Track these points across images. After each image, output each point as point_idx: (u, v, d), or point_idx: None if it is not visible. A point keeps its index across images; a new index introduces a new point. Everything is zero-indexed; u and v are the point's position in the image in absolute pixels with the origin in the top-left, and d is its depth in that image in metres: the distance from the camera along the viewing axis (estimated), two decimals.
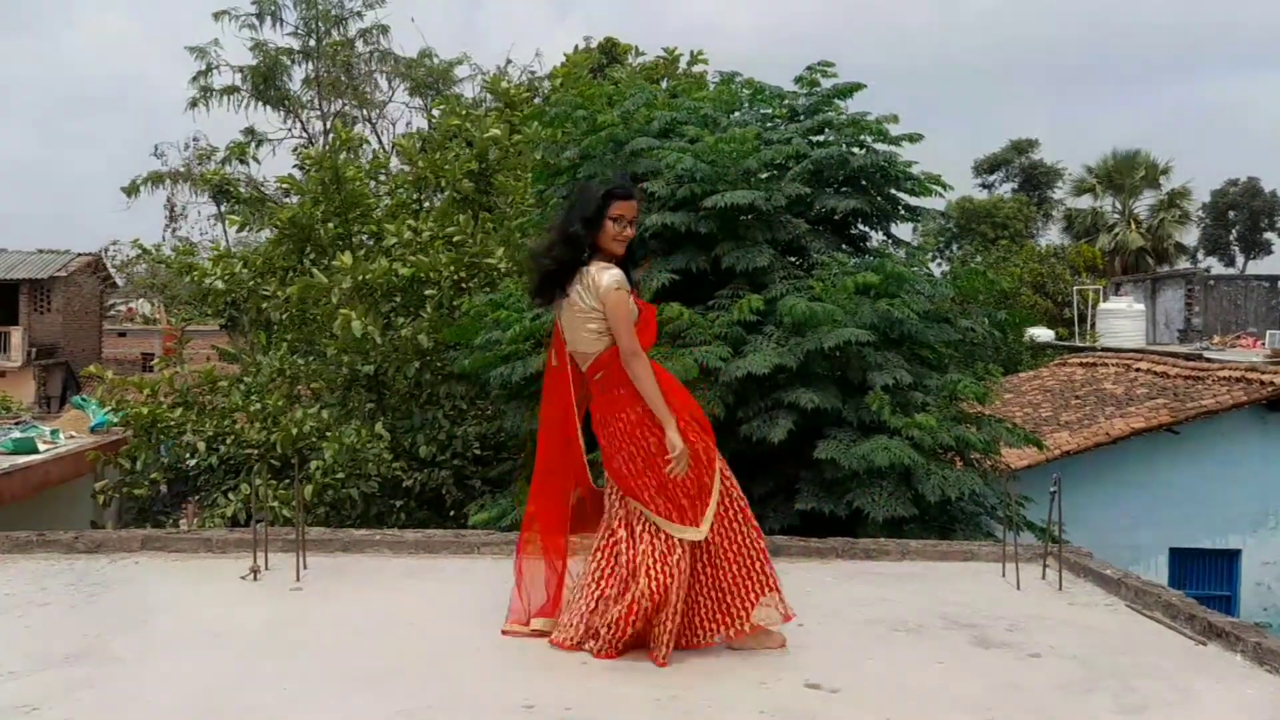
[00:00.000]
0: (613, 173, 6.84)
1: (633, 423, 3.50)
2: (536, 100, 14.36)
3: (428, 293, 9.02)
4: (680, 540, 3.44)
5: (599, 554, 3.57)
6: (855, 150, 7.15)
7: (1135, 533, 11.46)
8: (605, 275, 3.49)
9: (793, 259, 7.10)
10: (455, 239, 9.43)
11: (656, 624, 3.42)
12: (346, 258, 9.04)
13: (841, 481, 5.89)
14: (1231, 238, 46.51)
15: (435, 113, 14.79)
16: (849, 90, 7.47)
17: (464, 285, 9.20)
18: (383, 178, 11.53)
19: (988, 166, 44.12)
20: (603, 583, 3.50)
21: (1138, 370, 14.78)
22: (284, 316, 9.91)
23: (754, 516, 3.64)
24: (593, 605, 3.49)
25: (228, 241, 22.62)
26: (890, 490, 5.81)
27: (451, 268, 9.00)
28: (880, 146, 7.18)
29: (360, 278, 8.83)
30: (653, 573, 3.40)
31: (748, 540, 3.57)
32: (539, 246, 3.69)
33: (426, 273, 8.96)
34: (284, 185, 12.50)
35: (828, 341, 5.90)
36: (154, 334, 37.59)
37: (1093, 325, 25.81)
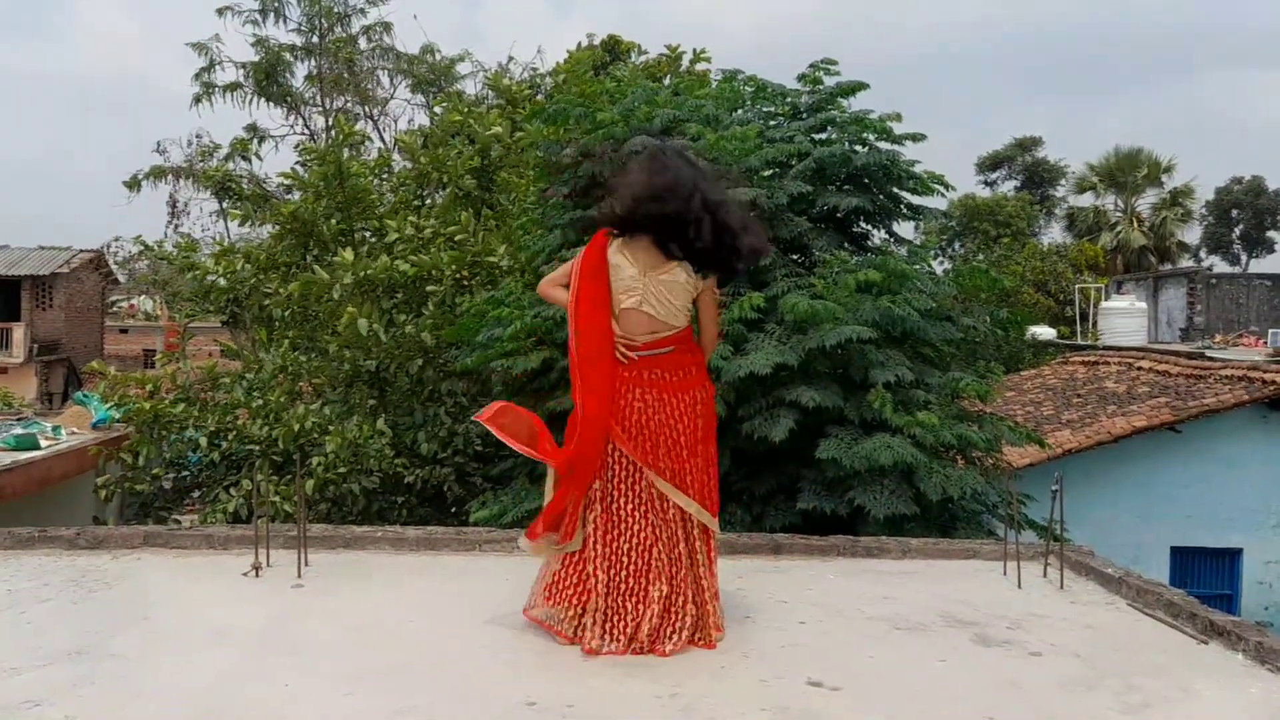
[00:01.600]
0: (609, 160, 6.86)
1: (695, 400, 3.55)
2: (539, 96, 14.34)
3: (430, 289, 9.02)
4: (708, 529, 3.55)
5: (609, 540, 3.51)
6: (858, 148, 7.14)
7: (1137, 531, 11.47)
8: None
9: (795, 257, 7.09)
10: (457, 237, 9.42)
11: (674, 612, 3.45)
12: (348, 254, 9.04)
13: (843, 479, 5.89)
14: (1235, 236, 46.48)
15: (438, 110, 14.79)
16: (852, 89, 7.45)
17: (465, 283, 9.20)
18: (386, 175, 11.52)
19: (990, 164, 44.10)
20: (619, 572, 3.48)
21: (1139, 369, 14.79)
22: (286, 313, 9.91)
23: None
24: (610, 599, 3.47)
25: (229, 238, 22.62)
26: (892, 489, 5.81)
27: (453, 266, 9.00)
28: (883, 145, 7.17)
29: (362, 274, 8.83)
30: (666, 564, 3.45)
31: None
32: (737, 206, 3.61)
33: (429, 271, 8.96)
34: (287, 181, 12.49)
35: (830, 340, 5.90)
36: (156, 330, 37.66)
37: (1094, 323, 25.79)
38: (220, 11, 23.77)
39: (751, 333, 6.23)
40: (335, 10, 24.60)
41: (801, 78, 7.70)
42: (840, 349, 6.05)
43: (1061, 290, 29.25)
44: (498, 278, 8.98)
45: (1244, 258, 46.27)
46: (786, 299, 6.13)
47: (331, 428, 8.11)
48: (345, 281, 8.80)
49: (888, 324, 6.22)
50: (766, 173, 7.00)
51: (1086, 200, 40.57)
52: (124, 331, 39.04)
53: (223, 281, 10.16)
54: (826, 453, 5.84)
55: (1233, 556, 12.07)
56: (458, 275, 9.05)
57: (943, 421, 5.95)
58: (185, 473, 9.07)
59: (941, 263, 30.93)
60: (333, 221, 10.03)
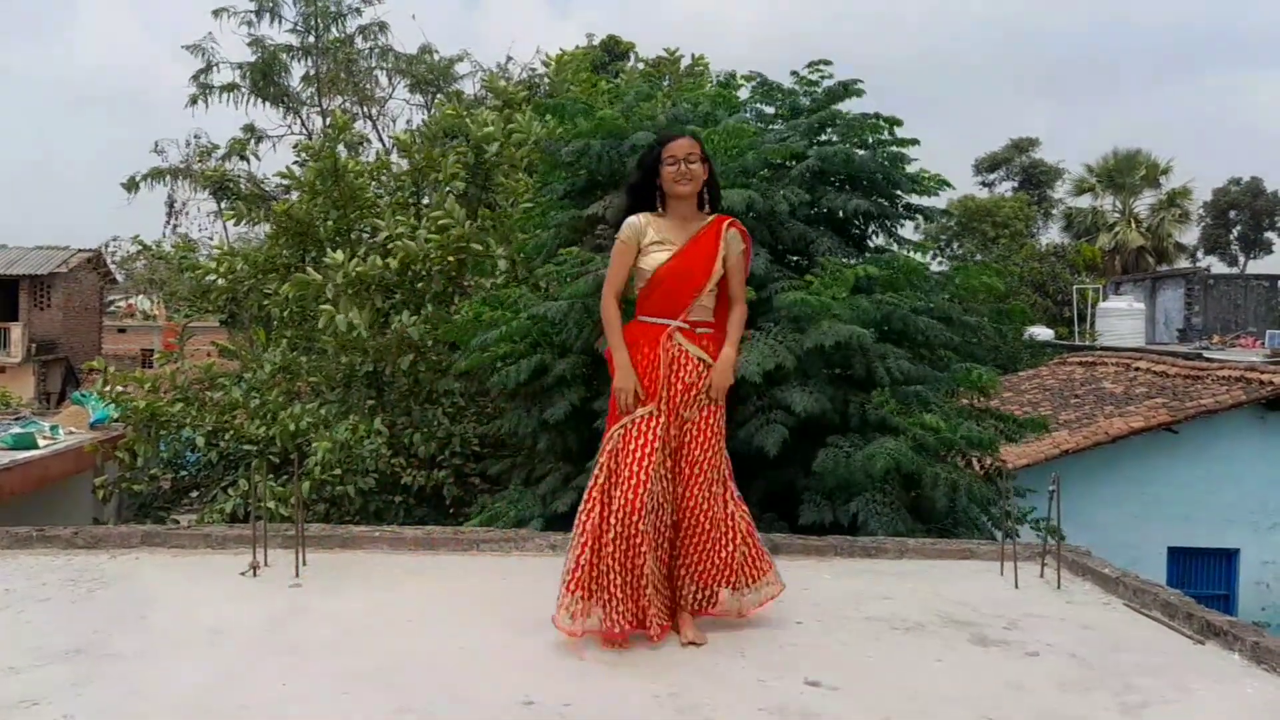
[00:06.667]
0: (609, 160, 6.86)
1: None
2: (538, 96, 14.32)
3: (420, 285, 8.98)
4: None
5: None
6: (858, 150, 7.11)
7: (1134, 531, 11.47)
8: None
9: (794, 259, 7.06)
10: (440, 222, 9.29)
11: None
12: (339, 254, 9.02)
13: (844, 487, 5.83)
14: (1232, 237, 46.55)
15: (436, 113, 14.78)
16: (848, 90, 7.43)
17: (453, 275, 9.14)
18: (384, 178, 11.49)
19: (988, 165, 44.18)
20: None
21: (1137, 369, 14.79)
22: (283, 313, 9.90)
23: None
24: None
25: (227, 238, 22.60)
26: (892, 499, 5.74)
27: (440, 252, 8.91)
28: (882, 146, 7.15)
29: (354, 273, 8.81)
30: None
31: None
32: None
33: (416, 261, 8.89)
34: (285, 180, 12.47)
35: (828, 340, 5.81)
36: (153, 330, 37.64)
37: (1092, 324, 25.83)
38: (216, 13, 23.74)
39: (746, 330, 6.15)
40: (331, 10, 24.55)
41: (795, 76, 7.67)
42: (839, 348, 5.99)
43: (1059, 291, 29.30)
44: (489, 269, 8.90)
45: (1241, 259, 46.35)
46: (781, 296, 6.08)
47: (318, 431, 8.09)
48: (338, 281, 8.79)
49: (888, 324, 6.18)
50: (763, 174, 6.98)
51: (1084, 201, 40.71)
52: (122, 331, 39.00)
53: (221, 281, 10.15)
54: (824, 466, 5.74)
55: (1229, 557, 12.08)
56: (443, 263, 8.97)
57: (949, 422, 5.92)
58: (183, 472, 9.07)
59: (940, 263, 30.98)
60: (329, 223, 10.01)
